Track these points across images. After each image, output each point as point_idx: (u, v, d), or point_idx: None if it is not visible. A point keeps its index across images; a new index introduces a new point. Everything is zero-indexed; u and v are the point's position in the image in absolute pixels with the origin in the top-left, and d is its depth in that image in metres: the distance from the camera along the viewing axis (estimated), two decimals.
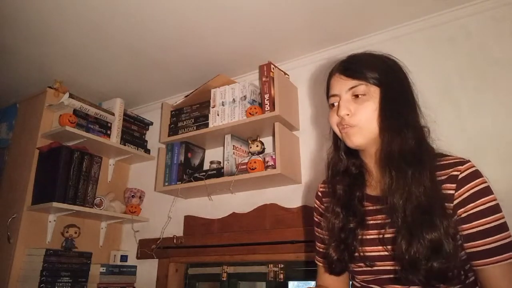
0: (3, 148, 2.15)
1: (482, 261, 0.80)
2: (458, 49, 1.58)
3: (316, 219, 1.08)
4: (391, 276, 0.86)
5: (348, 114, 0.90)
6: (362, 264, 0.90)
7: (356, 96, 0.91)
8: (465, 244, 0.82)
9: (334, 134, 1.00)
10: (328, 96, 0.98)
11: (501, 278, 0.79)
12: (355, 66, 0.94)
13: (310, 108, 1.88)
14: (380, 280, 0.89)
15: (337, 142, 1.01)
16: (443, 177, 0.84)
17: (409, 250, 0.78)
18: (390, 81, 0.92)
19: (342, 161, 0.99)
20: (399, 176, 0.83)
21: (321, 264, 1.05)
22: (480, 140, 1.44)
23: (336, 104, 0.95)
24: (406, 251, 0.79)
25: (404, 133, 0.87)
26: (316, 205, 1.09)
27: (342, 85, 0.93)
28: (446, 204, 0.82)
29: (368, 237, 0.90)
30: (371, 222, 0.91)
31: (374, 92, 0.90)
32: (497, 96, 1.46)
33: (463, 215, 0.81)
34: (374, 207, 0.92)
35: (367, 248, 0.89)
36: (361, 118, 0.90)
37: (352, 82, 0.91)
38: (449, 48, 1.60)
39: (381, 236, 0.87)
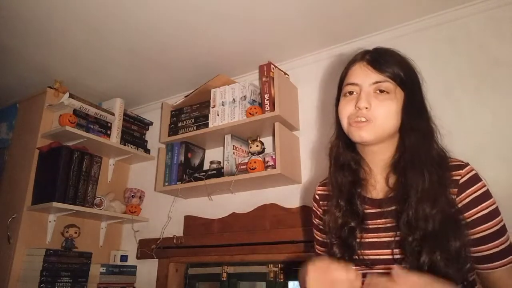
0: (3, 148, 2.15)
1: (489, 265, 0.80)
2: (458, 49, 1.58)
3: (314, 222, 1.06)
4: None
5: (367, 108, 0.86)
6: (361, 267, 0.88)
7: (380, 91, 0.87)
8: (471, 249, 0.81)
9: (339, 122, 0.95)
10: (345, 83, 0.93)
11: (507, 281, 0.80)
12: (384, 61, 0.89)
13: (310, 108, 1.87)
14: None
15: (340, 131, 0.96)
16: None
17: (435, 260, 0.76)
18: (413, 85, 0.90)
19: (344, 153, 0.96)
20: (430, 180, 0.81)
21: (321, 253, 1.02)
22: (480, 140, 1.44)
23: (353, 93, 0.90)
24: (431, 260, 0.76)
25: (430, 138, 0.86)
26: (314, 208, 1.07)
27: (367, 76, 0.88)
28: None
29: (367, 240, 0.88)
30: (371, 226, 0.89)
31: (398, 94, 0.87)
32: (497, 96, 1.46)
33: (467, 220, 0.80)
34: (374, 211, 0.90)
35: (368, 252, 0.87)
36: (380, 115, 0.85)
37: (378, 76, 0.87)
38: (449, 48, 1.60)
39: (383, 240, 0.85)
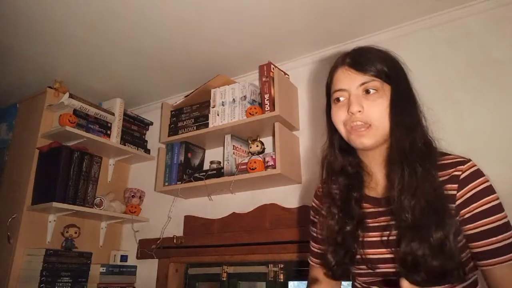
0: (3, 148, 2.15)
1: (489, 261, 0.79)
2: (458, 49, 1.58)
3: (314, 219, 1.05)
4: (394, 277, 0.85)
5: (360, 111, 0.85)
6: (364, 267, 0.88)
7: (367, 92, 0.86)
8: (471, 244, 0.81)
9: (330, 130, 0.96)
10: (332, 90, 0.92)
11: (507, 278, 0.78)
12: (365, 60, 0.88)
13: (310, 108, 1.88)
14: (381, 282, 0.88)
15: (332, 139, 0.97)
16: (445, 177, 0.83)
17: (414, 250, 0.76)
18: (399, 78, 0.89)
19: (338, 159, 0.95)
20: (411, 173, 0.81)
21: (314, 265, 1.03)
22: (480, 140, 1.44)
23: (342, 99, 0.89)
24: (411, 250, 0.77)
25: (414, 131, 0.85)
26: (314, 205, 1.06)
27: (352, 80, 0.87)
28: (449, 205, 0.81)
29: (369, 239, 0.88)
30: (372, 224, 0.89)
31: (386, 89, 0.87)
32: (497, 96, 1.46)
33: (466, 216, 0.80)
34: (375, 209, 0.90)
35: (369, 251, 0.87)
36: (375, 115, 0.85)
37: (364, 77, 0.86)
38: (449, 48, 1.60)
39: (384, 238, 0.85)
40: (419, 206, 0.79)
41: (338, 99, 0.90)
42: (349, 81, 0.88)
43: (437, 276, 0.78)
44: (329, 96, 0.96)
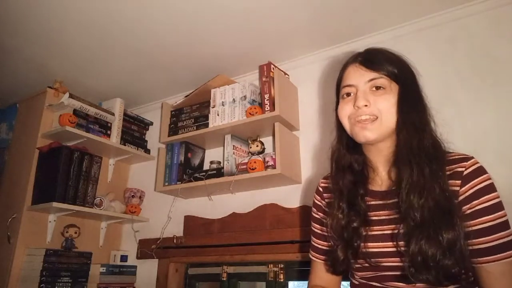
0: (3, 148, 2.15)
1: (483, 258, 0.80)
2: (458, 49, 1.58)
3: (316, 215, 1.06)
4: (395, 273, 0.86)
5: (366, 105, 0.88)
6: (364, 261, 0.89)
7: (375, 88, 0.89)
8: (469, 241, 0.81)
9: (339, 128, 0.97)
10: (341, 86, 0.95)
11: (501, 276, 0.79)
12: (376, 59, 0.91)
13: (310, 108, 1.87)
14: (381, 277, 0.89)
15: (341, 136, 0.98)
16: (448, 173, 0.84)
17: (424, 249, 0.77)
18: (407, 79, 0.91)
19: (345, 156, 0.97)
20: (419, 173, 0.82)
21: (317, 260, 1.04)
22: (480, 140, 1.44)
23: (350, 94, 0.92)
24: (420, 250, 0.77)
25: (422, 130, 0.87)
26: (316, 200, 1.07)
27: (361, 76, 0.90)
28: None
29: (371, 233, 0.89)
30: (374, 218, 0.90)
31: (393, 88, 0.89)
32: (497, 96, 1.46)
33: (467, 212, 0.81)
34: (377, 202, 0.91)
35: (370, 244, 0.88)
36: (381, 108, 0.87)
37: (372, 74, 0.89)
38: (449, 48, 1.60)
39: (387, 232, 0.87)
40: (428, 206, 0.80)
41: (346, 94, 0.93)
42: (358, 77, 0.91)
43: (448, 276, 0.78)
44: (338, 94, 0.98)
